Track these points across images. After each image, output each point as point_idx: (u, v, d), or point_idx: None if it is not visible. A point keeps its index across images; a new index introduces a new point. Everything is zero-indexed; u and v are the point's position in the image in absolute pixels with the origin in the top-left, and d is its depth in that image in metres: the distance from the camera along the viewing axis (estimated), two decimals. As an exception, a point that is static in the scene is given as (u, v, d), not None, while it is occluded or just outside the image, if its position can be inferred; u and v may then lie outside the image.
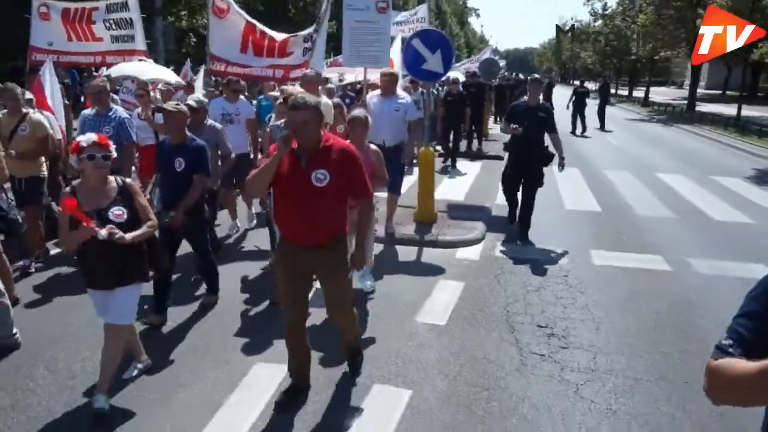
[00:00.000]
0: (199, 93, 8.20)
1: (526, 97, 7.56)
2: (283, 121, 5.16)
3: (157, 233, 3.80)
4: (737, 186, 11.61)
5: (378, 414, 3.65)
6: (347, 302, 3.76)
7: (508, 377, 4.11)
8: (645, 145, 18.26)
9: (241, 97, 7.65)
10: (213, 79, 9.61)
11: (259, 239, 7.07)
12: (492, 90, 19.74)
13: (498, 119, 20.32)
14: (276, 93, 8.83)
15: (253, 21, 8.18)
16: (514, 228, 7.58)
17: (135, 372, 4.01)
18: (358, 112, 5.13)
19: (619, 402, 3.83)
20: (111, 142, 3.55)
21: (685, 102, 32.46)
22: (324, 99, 7.03)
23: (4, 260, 4.99)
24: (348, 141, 4.61)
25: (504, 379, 4.08)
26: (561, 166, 7.27)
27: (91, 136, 3.45)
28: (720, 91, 48.01)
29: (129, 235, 3.41)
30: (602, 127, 21.78)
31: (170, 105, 4.88)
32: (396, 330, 4.82)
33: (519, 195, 7.40)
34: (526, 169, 7.14)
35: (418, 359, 4.33)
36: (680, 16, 29.44)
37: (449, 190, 10.33)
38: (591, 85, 26.08)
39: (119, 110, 6.28)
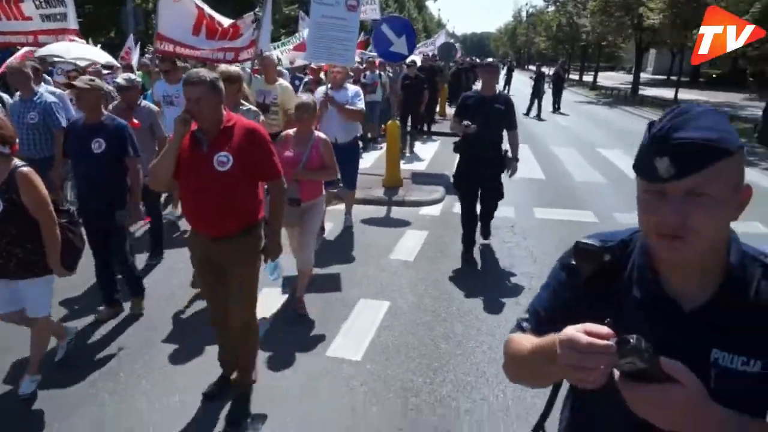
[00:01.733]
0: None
1: (478, 86, 6.18)
2: None
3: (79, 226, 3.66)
4: (665, 158, 13.07)
5: (365, 318, 4.73)
6: (249, 298, 3.38)
7: (464, 292, 5.27)
8: (591, 125, 19.75)
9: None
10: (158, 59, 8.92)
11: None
12: (448, 73, 20.80)
13: (452, 104, 21.18)
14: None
15: (202, 5, 8.11)
16: (469, 266, 6.00)
17: (63, 353, 3.99)
18: (306, 97, 4.83)
19: (547, 307, 5.03)
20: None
21: (630, 86, 34.39)
22: (282, 82, 7.24)
23: None
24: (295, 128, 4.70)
25: (461, 293, 5.24)
26: (511, 169, 6.09)
27: None
28: (665, 77, 50.56)
29: (52, 264, 3.41)
30: (558, 109, 23.18)
31: (82, 81, 4.29)
32: (373, 265, 5.92)
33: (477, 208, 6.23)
34: (479, 177, 5.96)
35: (393, 283, 5.45)
36: (625, 3, 31.16)
37: (411, 164, 11.45)
38: (546, 70, 27.39)
39: (45, 94, 5.74)
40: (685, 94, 26.36)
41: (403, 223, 7.39)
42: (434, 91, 15.59)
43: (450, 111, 19.33)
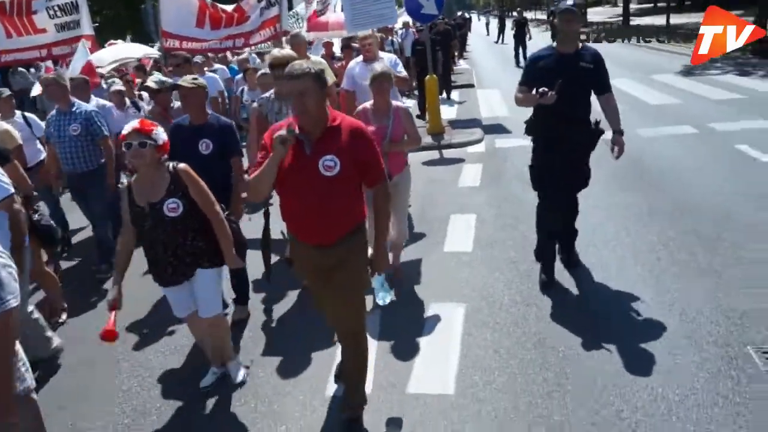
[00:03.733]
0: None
1: (553, 43, 4.52)
2: (271, 92, 4.64)
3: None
4: (669, 79, 14.24)
5: (460, 228, 5.97)
6: (357, 306, 3.13)
7: (531, 203, 6.48)
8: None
9: (209, 72, 7.54)
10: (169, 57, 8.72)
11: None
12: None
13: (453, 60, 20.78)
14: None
15: None
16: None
17: (212, 379, 3.75)
18: (381, 67, 4.42)
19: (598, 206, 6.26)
20: (153, 127, 3.23)
21: (621, 18, 35.08)
22: (315, 57, 6.85)
23: (49, 272, 4.76)
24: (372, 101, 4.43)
25: (534, 201, 6.46)
26: (615, 145, 4.52)
27: (131, 124, 3.20)
28: (652, 4, 50.96)
29: (226, 255, 3.41)
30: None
31: (187, 80, 4.12)
32: (447, 192, 7.18)
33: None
34: (569, 157, 4.47)
35: (471, 202, 6.71)
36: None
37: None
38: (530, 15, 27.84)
39: (83, 104, 5.53)
40: (676, 19, 27.13)
41: (458, 160, 8.61)
42: (447, 53, 14.71)
43: (456, 67, 20.23)
